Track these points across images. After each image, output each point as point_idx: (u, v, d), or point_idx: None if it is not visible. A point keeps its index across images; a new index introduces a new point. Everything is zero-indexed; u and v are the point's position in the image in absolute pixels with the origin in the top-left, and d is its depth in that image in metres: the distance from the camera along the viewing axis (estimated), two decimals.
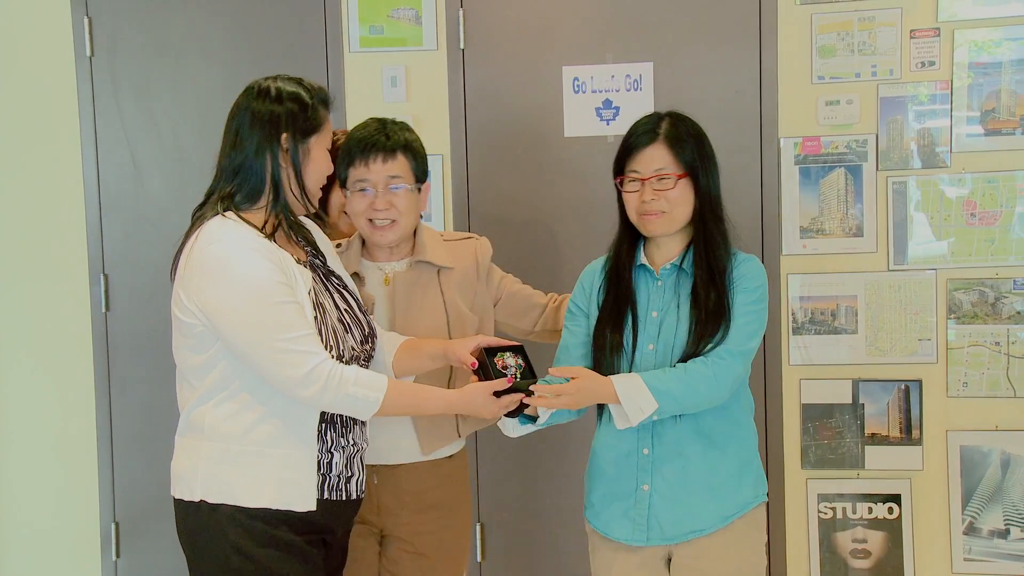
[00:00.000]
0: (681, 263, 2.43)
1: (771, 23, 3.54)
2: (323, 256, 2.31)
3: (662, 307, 2.40)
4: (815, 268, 3.56)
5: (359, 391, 2.10)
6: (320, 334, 2.12)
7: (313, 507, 2.14)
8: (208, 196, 2.19)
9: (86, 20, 3.83)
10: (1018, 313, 3.47)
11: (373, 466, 2.48)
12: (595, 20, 3.65)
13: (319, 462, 2.15)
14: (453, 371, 2.53)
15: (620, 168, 2.43)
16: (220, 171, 2.18)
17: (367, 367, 2.29)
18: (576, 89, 3.65)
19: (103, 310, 3.88)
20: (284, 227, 2.18)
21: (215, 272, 2.06)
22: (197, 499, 2.12)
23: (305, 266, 2.21)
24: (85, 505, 3.93)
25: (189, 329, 2.11)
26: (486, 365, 2.24)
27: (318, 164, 2.21)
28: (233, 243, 2.06)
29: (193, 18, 3.81)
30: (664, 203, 2.36)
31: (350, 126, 3.69)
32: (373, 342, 2.32)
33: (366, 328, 2.29)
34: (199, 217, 2.15)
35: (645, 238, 2.46)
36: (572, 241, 3.61)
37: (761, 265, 2.46)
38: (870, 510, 3.57)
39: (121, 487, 3.91)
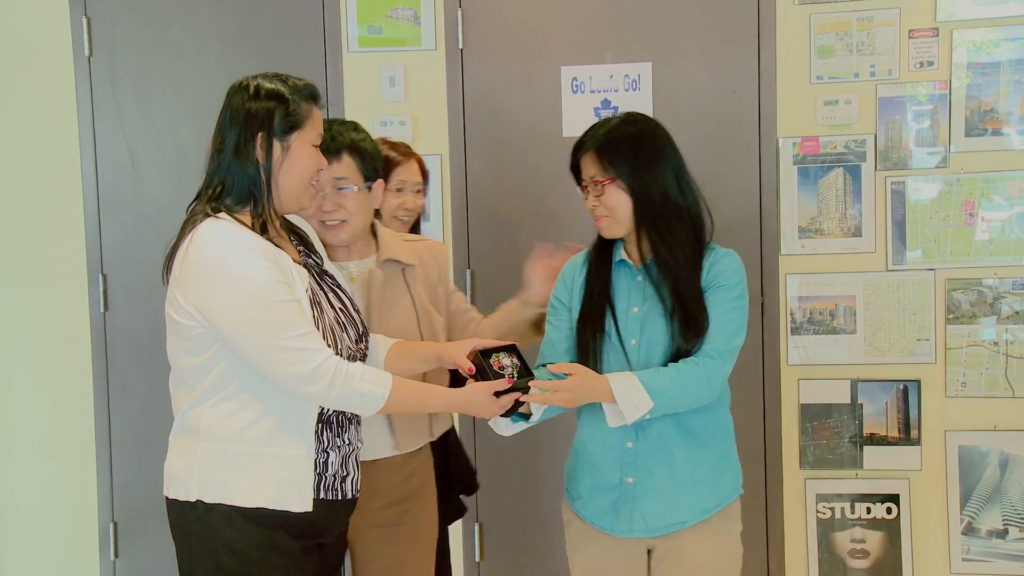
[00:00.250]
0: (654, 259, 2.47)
1: (769, 23, 3.54)
2: (317, 255, 2.31)
3: (643, 302, 2.42)
4: (814, 268, 3.56)
5: (366, 387, 2.10)
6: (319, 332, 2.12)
7: (310, 508, 2.13)
8: (197, 196, 2.18)
9: (85, 20, 3.83)
10: (1016, 313, 3.48)
11: None
12: (594, 20, 3.65)
13: (315, 462, 2.15)
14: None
15: (577, 176, 2.51)
16: (207, 171, 2.17)
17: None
18: (575, 89, 3.65)
19: (101, 310, 3.88)
20: (274, 226, 2.17)
21: (214, 273, 2.05)
22: (193, 499, 2.11)
23: (301, 265, 2.20)
24: (83, 505, 3.93)
25: (186, 331, 2.11)
26: (483, 367, 2.25)
27: (301, 161, 2.18)
28: (230, 243, 2.06)
29: (192, 18, 3.81)
30: (603, 208, 2.43)
31: None
32: (367, 341, 2.32)
33: (360, 327, 2.29)
34: (191, 219, 2.14)
35: None
36: (571, 241, 3.60)
37: (739, 260, 2.47)
38: (868, 510, 3.57)
39: (119, 487, 3.90)
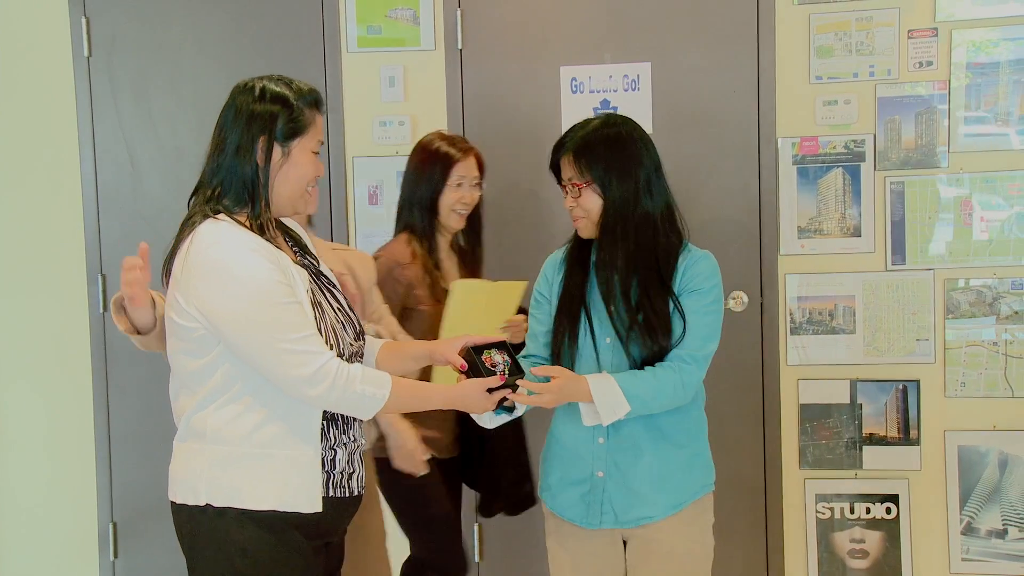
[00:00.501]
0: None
1: (769, 23, 3.54)
2: (312, 256, 2.31)
3: (606, 302, 2.44)
4: (813, 268, 3.56)
5: (367, 388, 2.10)
6: (320, 333, 2.12)
7: (319, 508, 2.13)
8: (195, 191, 2.18)
9: (84, 20, 3.83)
10: (1016, 313, 3.48)
11: None
12: (593, 20, 3.65)
13: (323, 460, 2.16)
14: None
15: (558, 176, 2.54)
16: (205, 171, 2.17)
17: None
18: (574, 89, 3.65)
19: (101, 310, 3.87)
20: (271, 228, 2.17)
21: (215, 274, 2.05)
22: (202, 503, 2.10)
23: (300, 266, 2.20)
24: (83, 505, 3.93)
25: (187, 333, 2.10)
26: (475, 364, 2.28)
27: (301, 168, 2.17)
28: (232, 244, 2.05)
29: (191, 19, 3.81)
30: (580, 209, 2.46)
31: (349, 127, 3.74)
32: (363, 339, 2.33)
33: (357, 325, 2.30)
34: (189, 219, 2.14)
35: None
36: (568, 237, 3.60)
37: (714, 263, 2.49)
38: (868, 510, 3.57)
39: (119, 487, 3.91)
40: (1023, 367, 3.49)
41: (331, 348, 2.13)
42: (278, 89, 2.16)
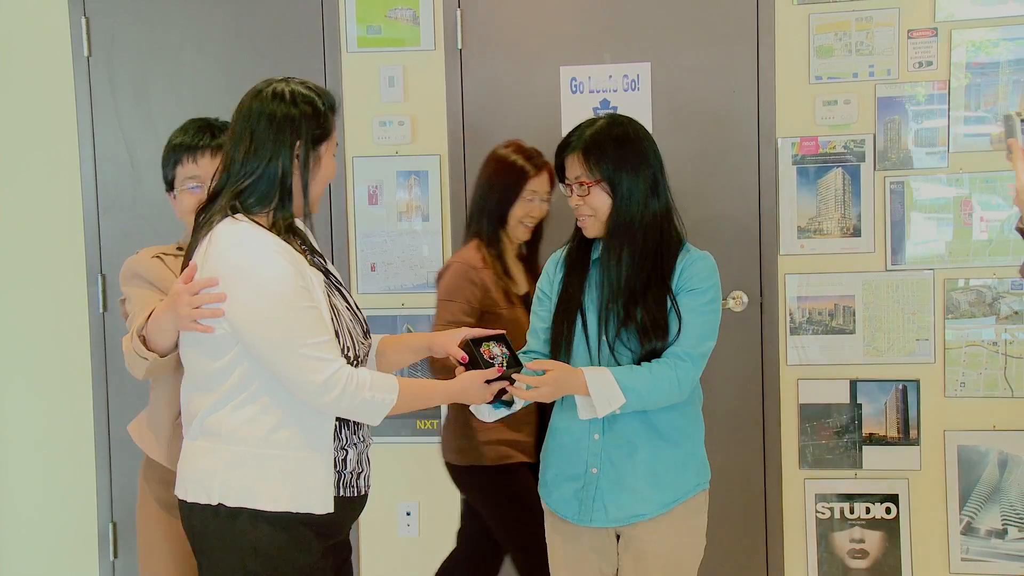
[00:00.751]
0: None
1: (768, 23, 3.54)
2: (320, 254, 2.32)
3: (615, 301, 2.45)
4: (813, 268, 3.56)
5: (376, 394, 2.13)
6: (338, 335, 2.15)
7: (331, 509, 2.16)
8: (213, 198, 2.18)
9: (84, 20, 3.83)
10: (1015, 313, 3.48)
11: None
12: (593, 20, 3.65)
13: (335, 459, 2.17)
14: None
15: (560, 174, 2.54)
16: (230, 174, 2.16)
17: (366, 364, 2.32)
18: (574, 89, 3.65)
19: (100, 310, 3.88)
20: (283, 229, 2.18)
21: (238, 275, 2.06)
22: (215, 502, 2.12)
23: (314, 267, 2.22)
24: (83, 505, 3.93)
25: (204, 334, 2.11)
26: (475, 356, 2.31)
27: (326, 170, 2.23)
28: (254, 245, 2.07)
29: (191, 19, 3.81)
30: (587, 208, 2.47)
31: (348, 127, 3.74)
32: (370, 336, 2.34)
33: (364, 324, 2.32)
34: (207, 220, 2.15)
35: None
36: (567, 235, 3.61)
37: (713, 263, 2.50)
38: (868, 510, 3.57)
39: (118, 487, 3.91)
40: (1023, 367, 3.49)
41: (347, 349, 2.16)
42: (306, 92, 2.19)
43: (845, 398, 3.57)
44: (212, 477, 2.12)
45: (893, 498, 3.56)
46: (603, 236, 2.49)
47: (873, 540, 3.58)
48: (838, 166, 3.53)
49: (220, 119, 2.59)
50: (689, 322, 2.42)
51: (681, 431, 2.50)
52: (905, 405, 3.54)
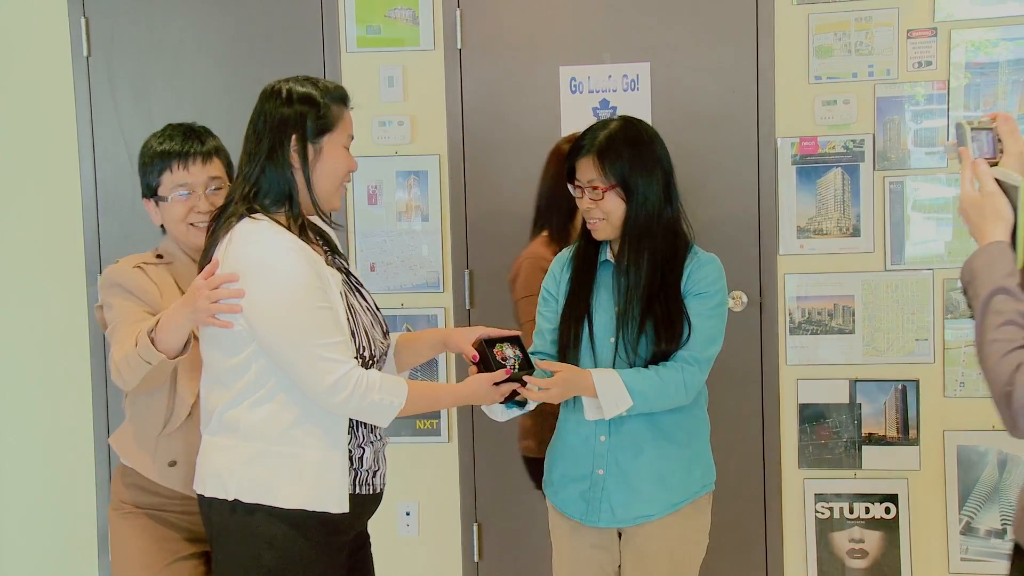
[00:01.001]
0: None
1: (768, 23, 3.54)
2: (342, 256, 2.34)
3: (623, 303, 2.46)
4: (812, 268, 3.56)
5: (384, 397, 2.14)
6: (354, 336, 2.16)
7: (347, 508, 2.17)
8: (229, 200, 2.20)
9: (83, 20, 3.84)
10: None
11: None
12: (592, 20, 3.65)
13: (351, 457, 2.19)
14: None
15: (571, 176, 2.52)
16: (241, 175, 2.19)
17: (384, 362, 2.35)
18: (573, 89, 3.65)
19: None
20: (297, 227, 2.19)
21: (255, 274, 2.08)
22: (231, 498, 2.14)
23: (333, 267, 2.23)
24: (82, 503, 3.93)
25: (222, 330, 2.12)
26: (486, 356, 2.33)
27: (334, 162, 2.22)
28: (272, 244, 2.09)
29: (191, 18, 3.81)
30: (599, 212, 2.45)
31: None
32: (389, 336, 2.36)
33: (383, 324, 2.34)
34: (225, 221, 2.16)
35: None
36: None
37: (720, 266, 2.51)
38: (867, 510, 3.58)
39: None
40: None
41: (363, 349, 2.18)
42: (304, 89, 2.20)
43: (844, 398, 3.57)
44: (229, 473, 2.14)
45: (892, 498, 3.56)
46: (616, 239, 2.48)
47: (872, 540, 3.58)
48: (837, 166, 3.53)
49: (198, 123, 2.58)
50: (697, 326, 2.43)
51: (687, 432, 2.50)
52: (904, 405, 3.54)
